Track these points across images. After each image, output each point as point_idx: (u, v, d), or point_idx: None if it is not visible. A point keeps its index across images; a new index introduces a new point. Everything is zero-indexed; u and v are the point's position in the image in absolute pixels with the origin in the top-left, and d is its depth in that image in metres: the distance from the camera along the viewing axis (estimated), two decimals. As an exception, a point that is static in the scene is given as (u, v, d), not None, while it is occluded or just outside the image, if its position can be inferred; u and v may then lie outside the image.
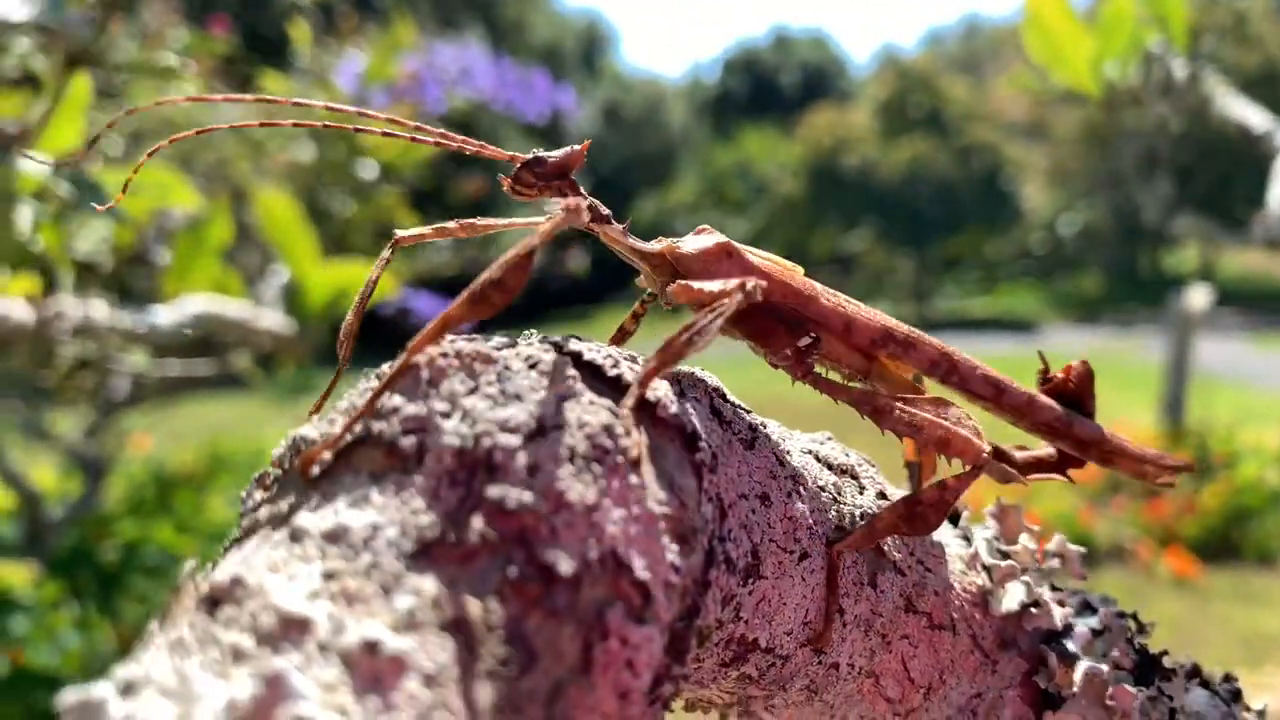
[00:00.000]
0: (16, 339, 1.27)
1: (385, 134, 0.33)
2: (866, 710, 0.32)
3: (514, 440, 0.22)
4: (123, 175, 1.26)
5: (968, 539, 0.36)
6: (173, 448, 4.49)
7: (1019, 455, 0.39)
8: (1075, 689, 0.34)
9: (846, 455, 0.34)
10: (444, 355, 0.24)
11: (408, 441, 0.21)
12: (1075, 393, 0.37)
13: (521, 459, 0.21)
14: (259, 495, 0.22)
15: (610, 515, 0.21)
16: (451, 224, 0.34)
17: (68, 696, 0.17)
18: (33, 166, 1.10)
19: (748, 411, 0.30)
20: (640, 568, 0.21)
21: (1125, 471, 0.38)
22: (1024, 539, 0.36)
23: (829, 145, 15.87)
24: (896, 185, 15.14)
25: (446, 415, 0.22)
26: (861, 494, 0.32)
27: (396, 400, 0.22)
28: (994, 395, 0.36)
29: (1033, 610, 0.34)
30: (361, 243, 2.19)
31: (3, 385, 2.68)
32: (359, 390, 0.24)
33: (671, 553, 0.23)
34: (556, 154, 0.34)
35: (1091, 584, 0.39)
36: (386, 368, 0.24)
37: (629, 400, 0.25)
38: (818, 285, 0.36)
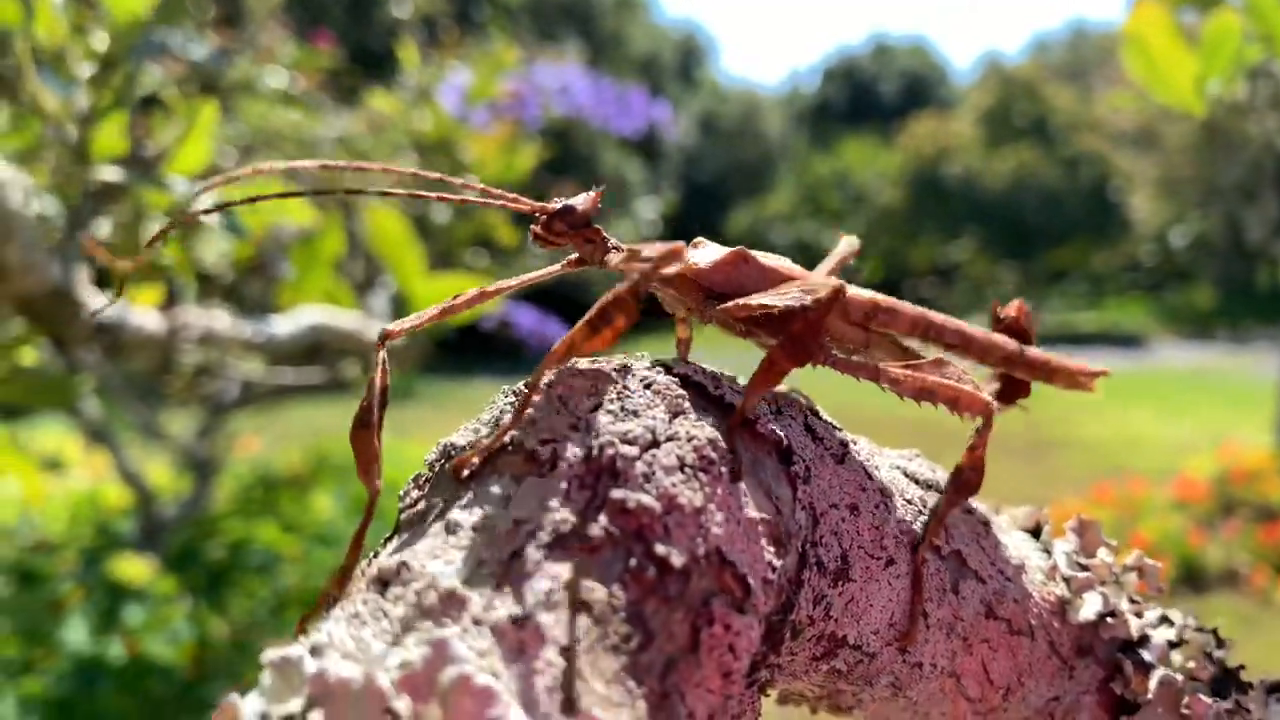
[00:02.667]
0: (147, 346, 1.36)
1: (413, 194, 0.34)
2: (948, 708, 0.34)
3: (633, 450, 0.25)
4: (241, 192, 1.34)
5: (1048, 552, 0.38)
6: (278, 449, 4.63)
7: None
8: (1150, 696, 0.36)
9: (933, 471, 0.36)
10: (573, 377, 0.27)
11: (544, 450, 0.25)
12: (1023, 328, 0.44)
13: (639, 467, 0.25)
14: (415, 494, 0.26)
15: (715, 518, 0.25)
16: (438, 307, 0.33)
17: (270, 653, 0.21)
18: (155, 183, 1.18)
19: (839, 429, 0.33)
20: (741, 564, 0.25)
21: (1061, 383, 0.43)
22: (1102, 553, 0.38)
23: (930, 154, 15.60)
24: (1000, 195, 14.79)
25: (575, 429, 0.25)
26: (945, 506, 0.35)
27: (534, 414, 0.26)
28: (964, 342, 0.40)
29: (1109, 620, 0.36)
30: (464, 256, 2.26)
31: (123, 387, 2.82)
32: (500, 405, 0.28)
33: (769, 553, 0.26)
34: (582, 201, 0.34)
35: (1202, 609, 0.40)
36: (522, 385, 0.28)
37: (734, 418, 0.28)
38: (808, 271, 0.38)
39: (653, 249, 0.32)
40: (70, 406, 2.31)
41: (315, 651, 0.21)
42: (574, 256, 0.35)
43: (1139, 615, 0.37)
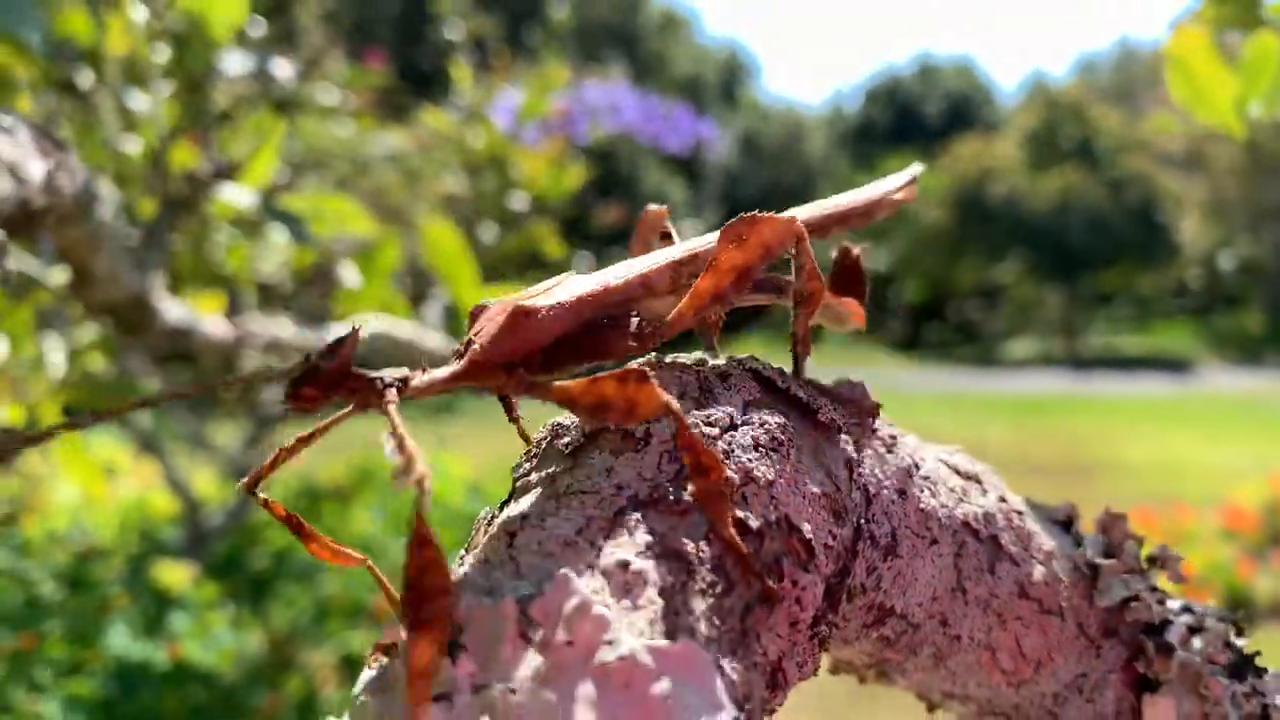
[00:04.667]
0: (210, 352, 1.42)
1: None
2: (984, 679, 0.38)
3: (715, 431, 0.29)
4: (300, 203, 1.40)
5: (1078, 543, 0.42)
6: (322, 462, 4.67)
7: None
8: (1171, 676, 0.39)
9: (973, 465, 0.40)
10: (660, 370, 0.32)
11: (639, 429, 0.29)
12: (856, 262, 0.41)
13: (720, 445, 0.29)
14: (526, 465, 0.31)
15: (784, 490, 0.29)
16: (286, 450, 0.33)
17: (419, 589, 0.25)
18: (229, 195, 1.24)
19: (890, 424, 0.37)
20: (806, 530, 0.29)
21: (887, 208, 0.40)
22: (1128, 545, 0.41)
23: (974, 175, 15.52)
24: (1046, 217, 14.67)
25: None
26: (985, 496, 0.39)
27: (629, 400, 0.30)
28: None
29: (1133, 604, 0.40)
30: (511, 271, 2.32)
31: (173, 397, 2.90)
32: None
33: (829, 523, 0.30)
34: (332, 351, 0.28)
35: (1252, 644, 0.43)
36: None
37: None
38: (595, 276, 0.35)
39: (427, 375, 0.30)
40: (131, 411, 2.38)
41: (455, 586, 0.26)
42: (349, 409, 0.30)
43: (1161, 603, 0.41)
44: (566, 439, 0.30)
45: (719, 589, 0.26)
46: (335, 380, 0.28)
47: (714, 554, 0.27)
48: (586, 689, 0.23)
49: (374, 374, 0.29)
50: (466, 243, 1.76)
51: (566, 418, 0.31)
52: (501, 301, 0.32)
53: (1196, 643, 0.40)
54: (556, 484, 0.28)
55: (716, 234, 0.34)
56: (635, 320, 0.33)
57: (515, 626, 0.24)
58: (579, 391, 0.28)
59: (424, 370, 0.30)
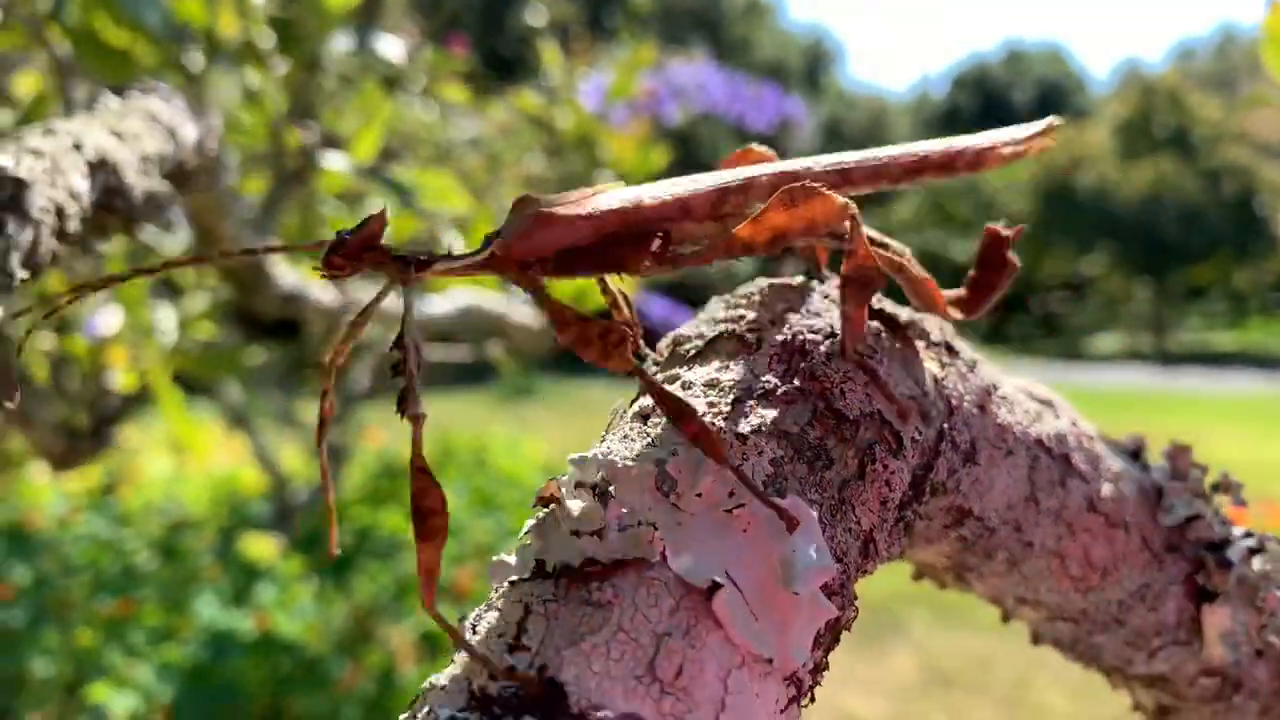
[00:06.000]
0: (318, 317, 1.50)
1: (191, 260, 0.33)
2: (1054, 585, 0.42)
3: (817, 338, 0.34)
4: (400, 178, 1.46)
5: (1145, 468, 0.46)
6: (404, 441, 4.73)
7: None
8: (1229, 588, 0.43)
9: (1049, 393, 0.44)
10: (770, 290, 0.37)
11: (751, 336, 0.34)
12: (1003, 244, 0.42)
13: (822, 349, 0.34)
14: (653, 368, 0.36)
15: (877, 389, 0.33)
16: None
17: (573, 456, 0.30)
18: (338, 164, 1.31)
19: (972, 349, 0.41)
20: (896, 425, 0.33)
21: (1010, 149, 0.40)
22: (1193, 471, 0.45)
23: (1063, 164, 15.14)
24: (1137, 208, 14.25)
25: (773, 322, 0.35)
26: (1058, 419, 0.43)
27: (743, 312, 0.35)
28: (840, 181, 0.36)
29: (1194, 523, 0.43)
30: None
31: (264, 376, 3.01)
32: (721, 306, 0.37)
33: (916, 420, 0.34)
34: (356, 230, 0.32)
35: None
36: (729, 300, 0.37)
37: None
38: (633, 191, 0.35)
39: (449, 261, 0.33)
40: (238, 376, 2.50)
41: (601, 455, 0.31)
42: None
43: (1224, 524, 0.45)
44: (688, 346, 0.35)
45: (820, 464, 0.31)
46: (361, 251, 0.32)
47: (816, 436, 0.31)
48: (712, 531, 0.28)
49: (400, 250, 0.32)
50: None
51: (689, 329, 0.36)
52: (538, 201, 0.34)
53: (1256, 562, 0.44)
54: (681, 380, 0.33)
55: (779, 167, 0.36)
56: (658, 241, 0.34)
57: (653, 481, 0.29)
58: (569, 318, 0.31)
59: (449, 255, 0.34)
